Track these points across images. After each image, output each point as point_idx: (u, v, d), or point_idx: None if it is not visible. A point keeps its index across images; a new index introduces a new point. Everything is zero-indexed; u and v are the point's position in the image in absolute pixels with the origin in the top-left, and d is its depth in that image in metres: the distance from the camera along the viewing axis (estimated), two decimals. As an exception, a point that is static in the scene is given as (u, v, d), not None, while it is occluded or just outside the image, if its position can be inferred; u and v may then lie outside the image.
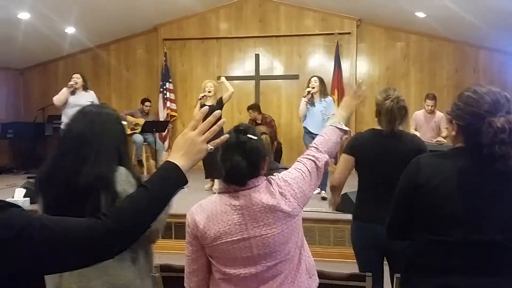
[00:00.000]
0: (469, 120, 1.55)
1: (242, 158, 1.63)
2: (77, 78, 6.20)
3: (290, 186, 1.71)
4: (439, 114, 6.49)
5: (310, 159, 1.78)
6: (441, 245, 1.56)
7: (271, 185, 1.71)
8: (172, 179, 1.15)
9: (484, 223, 1.52)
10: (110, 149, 1.73)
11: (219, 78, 6.56)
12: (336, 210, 4.99)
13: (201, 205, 1.74)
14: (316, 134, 6.15)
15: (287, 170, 1.79)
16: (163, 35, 8.70)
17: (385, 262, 2.71)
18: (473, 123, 1.53)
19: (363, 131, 2.75)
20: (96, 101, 6.33)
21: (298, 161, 1.80)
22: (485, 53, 7.81)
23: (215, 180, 6.15)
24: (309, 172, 1.75)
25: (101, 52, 8.95)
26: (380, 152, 2.55)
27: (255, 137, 1.68)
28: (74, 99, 6.12)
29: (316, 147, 1.82)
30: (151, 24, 8.61)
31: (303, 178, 1.73)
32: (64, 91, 6.19)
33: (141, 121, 7.88)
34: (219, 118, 1.25)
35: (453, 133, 1.63)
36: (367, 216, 2.58)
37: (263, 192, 1.68)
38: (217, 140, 1.27)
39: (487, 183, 1.53)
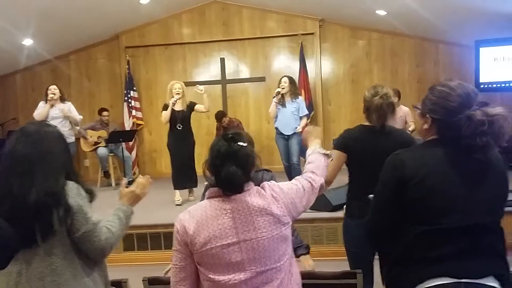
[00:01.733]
0: (444, 114, 1.62)
1: (236, 167, 1.67)
2: (54, 90, 6.03)
3: (284, 194, 1.76)
4: (404, 109, 6.63)
5: (307, 179, 1.88)
6: (433, 234, 1.60)
7: (264, 189, 1.75)
8: None
9: (472, 208, 1.58)
10: (56, 167, 1.75)
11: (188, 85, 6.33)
12: (311, 209, 5.04)
13: (190, 211, 1.75)
14: (288, 136, 6.31)
15: (284, 183, 1.85)
16: (124, 42, 8.53)
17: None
18: (448, 117, 1.60)
19: (352, 128, 2.76)
20: (75, 112, 6.22)
21: (295, 179, 1.90)
22: (444, 48, 8.03)
23: (191, 189, 6.03)
24: (303, 189, 1.83)
25: (61, 63, 8.68)
26: (371, 148, 2.57)
27: (245, 144, 1.72)
28: (53, 112, 6.00)
29: (312, 172, 1.93)
30: (111, 32, 8.42)
31: (297, 191, 1.81)
32: (42, 105, 6.02)
33: (103, 133, 7.69)
34: None
35: (426, 126, 1.69)
36: (359, 212, 2.56)
37: (254, 196, 1.71)
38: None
39: (469, 170, 1.61)
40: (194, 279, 1.74)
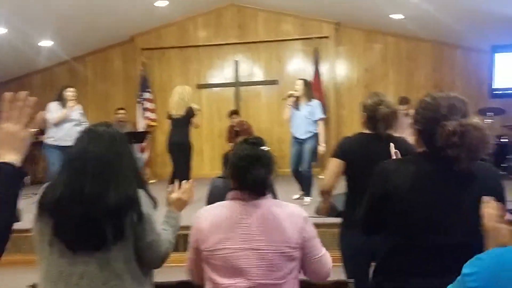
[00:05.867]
0: (426, 125, 1.60)
1: (265, 171, 1.72)
2: (74, 92, 6.12)
3: (306, 230, 1.75)
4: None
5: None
6: (408, 249, 1.59)
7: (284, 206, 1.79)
8: (12, 178, 1.12)
9: (450, 226, 1.55)
10: (130, 170, 1.74)
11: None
12: (317, 214, 4.97)
13: (207, 209, 1.82)
14: (301, 140, 6.14)
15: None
16: (140, 44, 8.63)
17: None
18: (430, 128, 1.57)
19: (351, 136, 2.72)
20: (82, 113, 6.32)
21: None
22: (462, 52, 7.90)
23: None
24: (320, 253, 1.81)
25: (77, 64, 8.83)
26: (373, 157, 2.49)
27: (268, 149, 1.79)
28: (70, 114, 6.07)
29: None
30: (127, 35, 8.53)
31: (316, 240, 1.81)
32: (56, 107, 5.99)
33: (120, 132, 7.78)
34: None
35: (415, 137, 1.69)
36: (356, 222, 2.53)
37: (272, 205, 1.76)
38: (36, 120, 1.20)
39: (449, 186, 1.57)
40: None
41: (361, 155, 2.57)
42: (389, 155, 2.43)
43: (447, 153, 1.50)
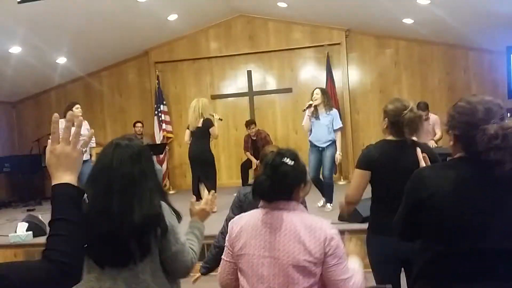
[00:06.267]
0: (464, 129, 1.59)
1: (267, 178, 1.73)
2: (80, 109, 6.20)
3: (330, 247, 1.68)
4: (432, 117, 6.57)
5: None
6: (449, 255, 1.58)
7: (312, 222, 1.73)
8: (74, 199, 1.16)
9: (489, 231, 1.53)
10: (154, 185, 1.76)
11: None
12: (341, 220, 4.97)
13: (242, 215, 1.88)
14: (323, 148, 6.01)
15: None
16: (154, 58, 8.74)
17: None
18: (468, 132, 1.57)
19: (373, 144, 2.69)
20: (88, 128, 6.38)
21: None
22: (474, 54, 7.90)
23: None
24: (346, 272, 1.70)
25: (93, 79, 8.95)
26: (397, 164, 2.50)
27: (290, 162, 1.75)
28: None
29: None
30: (141, 49, 8.65)
31: (342, 262, 1.70)
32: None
33: (138, 145, 7.85)
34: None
35: (451, 143, 1.67)
36: (384, 228, 2.46)
37: (294, 216, 1.74)
38: (86, 139, 1.27)
39: (489, 190, 1.56)
40: (237, 277, 1.82)
41: (386, 162, 2.54)
42: (415, 162, 2.38)
43: (489, 156, 1.50)
